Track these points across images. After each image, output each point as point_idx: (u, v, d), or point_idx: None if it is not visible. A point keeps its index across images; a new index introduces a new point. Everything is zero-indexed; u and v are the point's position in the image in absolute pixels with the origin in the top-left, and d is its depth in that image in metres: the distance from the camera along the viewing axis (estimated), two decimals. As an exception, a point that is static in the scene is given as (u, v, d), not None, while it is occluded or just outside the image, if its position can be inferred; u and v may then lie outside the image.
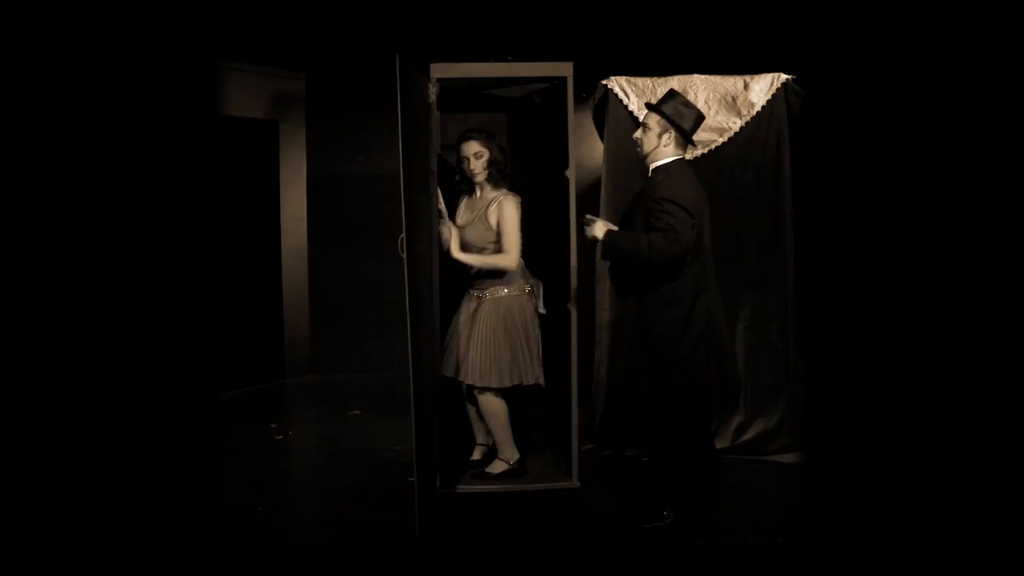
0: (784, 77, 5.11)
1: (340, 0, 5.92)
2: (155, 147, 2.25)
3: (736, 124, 5.11)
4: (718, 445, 5.19)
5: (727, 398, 4.22)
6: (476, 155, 4.47)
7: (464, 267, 4.49)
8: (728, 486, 4.62)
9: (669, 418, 3.97)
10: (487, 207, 4.47)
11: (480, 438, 4.84)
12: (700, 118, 4.15)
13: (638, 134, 4.15)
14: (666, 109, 4.06)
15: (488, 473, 4.62)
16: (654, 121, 4.08)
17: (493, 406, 4.49)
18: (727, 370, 4.02)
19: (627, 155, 5.22)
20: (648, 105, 4.20)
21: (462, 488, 4.55)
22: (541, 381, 4.58)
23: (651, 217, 3.90)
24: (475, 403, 4.61)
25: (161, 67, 2.26)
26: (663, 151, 4.06)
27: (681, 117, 4.05)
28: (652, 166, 4.10)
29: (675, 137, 4.06)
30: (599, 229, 4.05)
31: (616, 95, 5.19)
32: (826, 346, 2.24)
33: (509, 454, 4.59)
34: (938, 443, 2.02)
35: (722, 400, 4.19)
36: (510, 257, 4.40)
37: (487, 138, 4.53)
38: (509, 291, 4.49)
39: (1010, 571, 1.95)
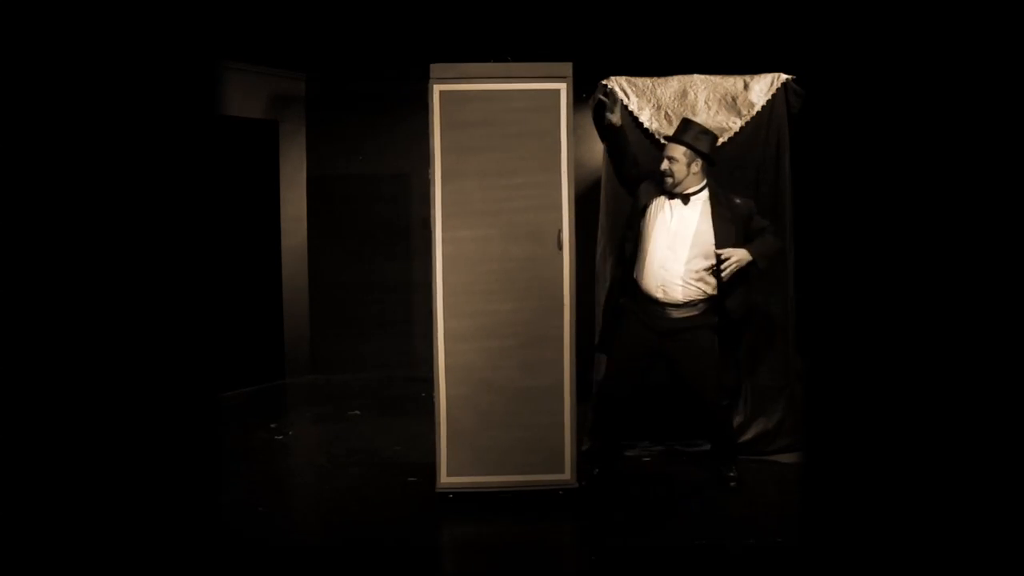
0: (784, 77, 5.11)
1: (340, 0, 5.93)
2: (155, 147, 2.25)
3: (736, 124, 5.11)
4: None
5: None
6: None
7: None
8: (728, 485, 4.63)
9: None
10: None
11: None
12: (715, 140, 4.56)
13: (665, 166, 4.47)
14: (688, 139, 4.42)
15: None
16: (680, 152, 4.44)
17: None
18: None
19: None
20: (670, 138, 4.56)
21: (461, 487, 4.55)
22: None
23: (756, 223, 4.55)
24: None
25: (161, 67, 2.25)
26: (693, 178, 4.45)
27: (703, 144, 4.44)
28: (687, 193, 4.46)
29: (701, 164, 4.45)
30: (742, 256, 4.44)
31: (616, 95, 5.18)
32: (826, 346, 2.23)
33: None
34: (938, 443, 2.02)
35: None
36: None
37: None
38: None
39: (1010, 571, 1.95)
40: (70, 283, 2.12)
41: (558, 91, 4.40)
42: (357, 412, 6.48)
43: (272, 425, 6.14)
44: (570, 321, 4.43)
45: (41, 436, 2.10)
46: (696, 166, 4.45)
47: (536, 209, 4.42)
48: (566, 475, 4.44)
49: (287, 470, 5.22)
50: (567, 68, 4.41)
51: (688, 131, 4.47)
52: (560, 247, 4.39)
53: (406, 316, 7.74)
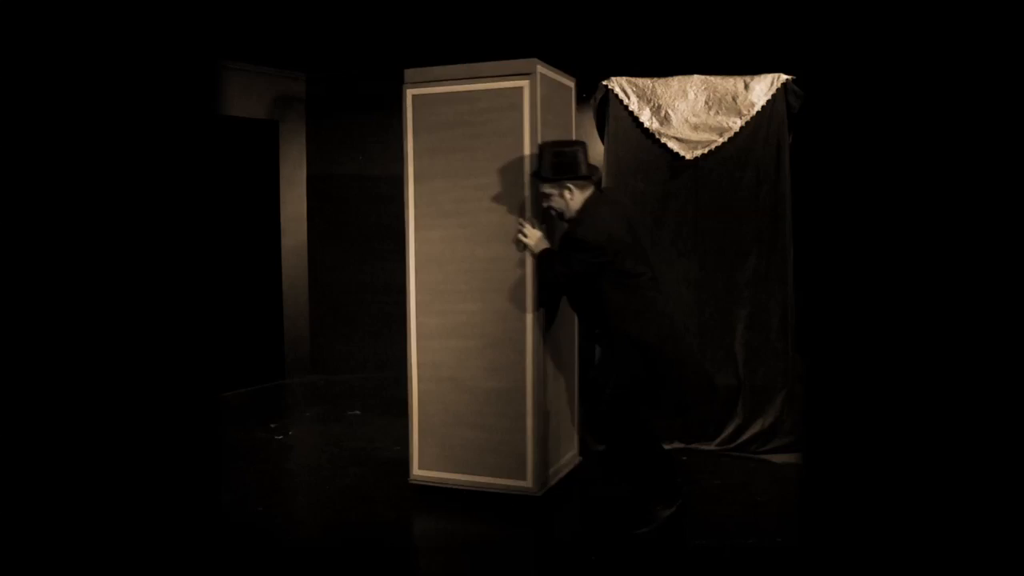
0: (784, 77, 5.12)
1: (340, 0, 5.93)
2: (155, 147, 2.25)
3: (736, 124, 5.12)
4: (717, 446, 5.20)
5: (700, 397, 4.07)
6: None
7: None
8: (728, 486, 4.63)
9: (630, 419, 3.93)
10: None
11: None
12: (580, 147, 4.03)
13: (546, 204, 4.09)
14: (545, 172, 4.00)
15: None
16: (548, 188, 4.02)
17: None
18: (690, 372, 3.93)
19: (627, 155, 5.24)
20: (535, 175, 4.13)
21: (431, 481, 4.64)
22: None
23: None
24: None
25: (161, 67, 2.26)
26: (575, 203, 4.00)
27: (563, 167, 3.97)
28: (570, 218, 4.03)
29: (574, 184, 3.98)
30: (537, 244, 4.18)
31: (616, 95, 5.20)
32: (826, 346, 2.24)
33: None
34: (938, 443, 2.02)
35: (694, 400, 4.07)
36: None
37: None
38: None
39: (1010, 571, 1.95)
40: (71, 283, 2.12)
41: (521, 88, 4.28)
42: (357, 412, 6.48)
43: (272, 425, 6.14)
44: (532, 324, 4.34)
45: (42, 436, 2.10)
46: (570, 192, 3.98)
47: (500, 210, 4.36)
48: (528, 483, 4.37)
49: (287, 470, 5.22)
50: (531, 64, 4.28)
51: (543, 159, 4.04)
52: (520, 249, 4.29)
53: (406, 316, 7.73)
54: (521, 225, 4.25)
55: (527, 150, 4.29)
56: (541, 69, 4.36)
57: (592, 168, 4.06)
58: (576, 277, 3.95)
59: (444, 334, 4.54)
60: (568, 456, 4.87)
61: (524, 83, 4.27)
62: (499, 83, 4.33)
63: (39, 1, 2.04)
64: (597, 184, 4.13)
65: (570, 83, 4.79)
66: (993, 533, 1.97)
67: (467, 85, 4.40)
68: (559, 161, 3.99)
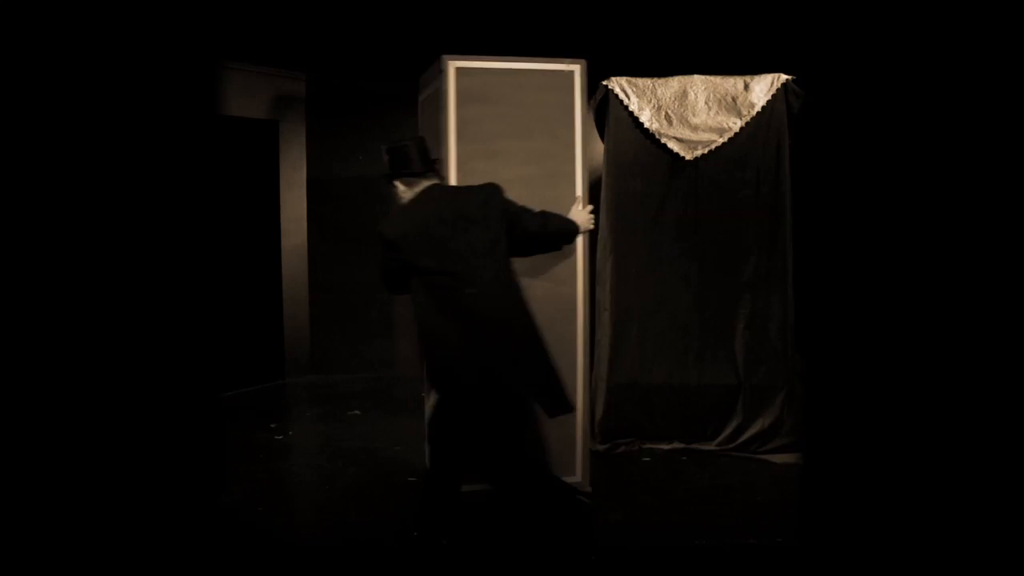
0: (784, 77, 5.12)
1: (340, 0, 5.93)
2: (155, 147, 2.25)
3: (736, 124, 5.12)
4: (717, 446, 5.20)
5: (542, 403, 3.56)
6: None
7: None
8: (728, 486, 4.63)
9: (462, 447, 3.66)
10: None
11: None
12: (413, 143, 3.86)
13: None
14: (386, 171, 3.88)
15: None
16: (387, 186, 3.91)
17: None
18: (514, 377, 3.52)
19: (627, 155, 5.24)
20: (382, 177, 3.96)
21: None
22: None
23: None
24: None
25: (161, 67, 2.26)
26: (405, 197, 3.86)
27: (395, 164, 3.85)
28: None
29: (403, 181, 3.85)
30: None
31: (616, 95, 5.20)
32: (826, 346, 2.24)
33: None
34: (938, 443, 2.03)
35: (536, 404, 3.59)
36: None
37: None
38: None
39: (1010, 571, 1.96)
40: (71, 283, 2.12)
41: (437, 90, 4.33)
42: (357, 412, 6.48)
43: (272, 425, 6.14)
44: None
45: (44, 435, 2.10)
46: (402, 187, 3.87)
47: None
48: None
49: (287, 470, 5.22)
50: (441, 63, 4.24)
51: (386, 159, 3.92)
52: None
53: (406, 316, 7.74)
54: None
55: (445, 150, 4.29)
56: (458, 63, 4.21)
57: (428, 162, 3.84)
58: (388, 274, 3.77)
59: None
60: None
61: (429, 89, 4.42)
62: (431, 88, 4.47)
63: (40, 1, 2.04)
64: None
65: (570, 67, 4.54)
66: (993, 532, 1.98)
67: (430, 89, 4.56)
68: (390, 159, 3.85)
